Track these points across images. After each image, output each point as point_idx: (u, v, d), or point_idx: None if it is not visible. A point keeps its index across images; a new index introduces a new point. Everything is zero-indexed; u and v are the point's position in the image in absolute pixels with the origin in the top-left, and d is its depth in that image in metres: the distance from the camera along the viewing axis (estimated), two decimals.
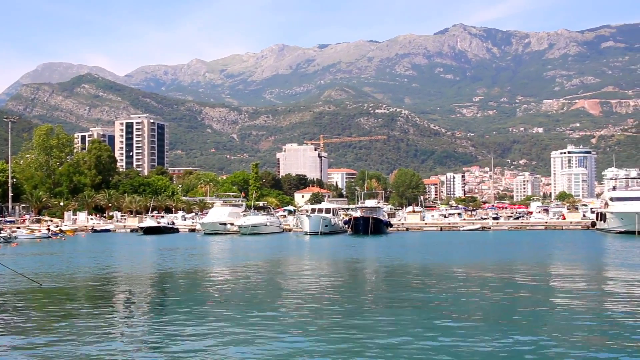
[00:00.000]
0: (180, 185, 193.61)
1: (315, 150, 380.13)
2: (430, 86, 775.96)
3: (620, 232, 79.71)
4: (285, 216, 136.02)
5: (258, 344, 16.80)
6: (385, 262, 44.21)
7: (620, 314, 20.85)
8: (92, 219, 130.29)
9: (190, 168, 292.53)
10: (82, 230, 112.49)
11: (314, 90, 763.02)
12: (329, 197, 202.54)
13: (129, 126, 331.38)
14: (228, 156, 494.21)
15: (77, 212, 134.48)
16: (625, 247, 57.02)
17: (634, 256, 46.90)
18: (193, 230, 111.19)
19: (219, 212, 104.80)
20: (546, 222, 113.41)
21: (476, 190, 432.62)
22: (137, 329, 19.24)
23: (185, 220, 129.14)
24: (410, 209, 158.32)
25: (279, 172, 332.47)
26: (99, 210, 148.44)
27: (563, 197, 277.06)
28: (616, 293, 26.50)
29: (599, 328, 18.59)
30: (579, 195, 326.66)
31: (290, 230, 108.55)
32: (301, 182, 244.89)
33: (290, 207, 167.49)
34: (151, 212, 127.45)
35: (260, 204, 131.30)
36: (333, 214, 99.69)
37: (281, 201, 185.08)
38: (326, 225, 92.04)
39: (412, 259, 46.90)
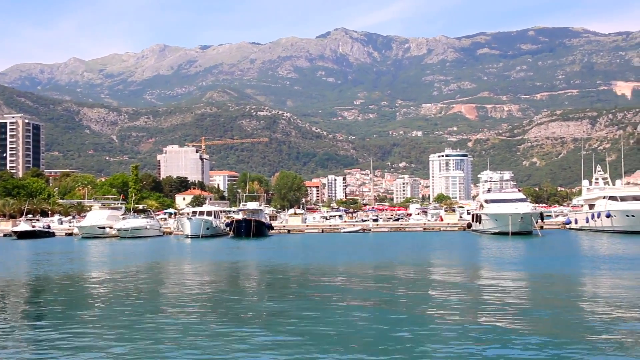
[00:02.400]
0: (56, 188, 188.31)
1: (196, 152, 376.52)
2: (312, 89, 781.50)
3: (495, 233, 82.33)
4: (165, 219, 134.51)
5: (137, 348, 16.65)
6: (267, 265, 44.38)
7: (493, 308, 21.83)
8: None
9: (68, 170, 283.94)
10: None
11: (195, 92, 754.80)
12: (210, 199, 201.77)
13: (2, 126, 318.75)
14: (107, 158, 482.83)
15: None
16: (498, 247, 59.11)
17: (506, 255, 48.82)
18: (70, 234, 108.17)
19: (97, 216, 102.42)
20: (424, 224, 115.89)
21: (357, 193, 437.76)
22: (9, 338, 18.71)
23: (62, 224, 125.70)
24: (292, 211, 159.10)
25: (159, 174, 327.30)
26: None
27: (441, 199, 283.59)
28: (489, 289, 27.65)
29: (473, 321, 19.39)
30: (456, 197, 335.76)
31: (171, 233, 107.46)
32: (182, 185, 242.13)
33: (171, 210, 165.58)
34: (26, 215, 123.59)
35: (140, 206, 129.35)
36: (214, 217, 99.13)
37: (162, 204, 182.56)
38: (207, 228, 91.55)
39: (293, 261, 47.20)
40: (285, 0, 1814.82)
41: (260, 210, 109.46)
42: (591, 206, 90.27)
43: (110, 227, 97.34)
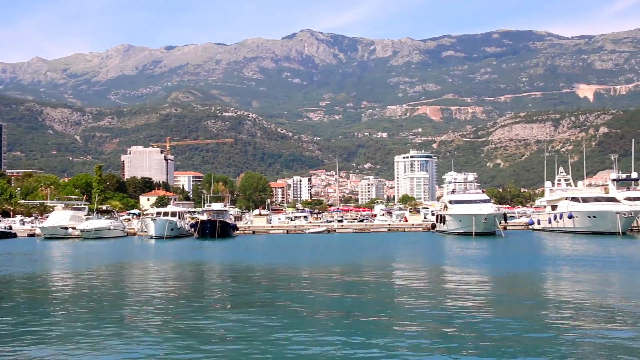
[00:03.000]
0: (19, 189, 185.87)
1: (161, 152, 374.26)
2: (277, 90, 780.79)
3: (458, 234, 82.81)
4: (129, 220, 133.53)
5: (99, 350, 16.56)
6: (232, 265, 44.31)
7: (455, 308, 21.96)
8: None
9: (30, 170, 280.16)
10: None
11: (160, 92, 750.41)
12: (175, 200, 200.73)
13: None
14: (70, 158, 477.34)
15: None
16: (462, 247, 59.51)
17: (469, 256, 49.22)
18: (32, 235, 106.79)
19: (60, 216, 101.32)
20: (389, 225, 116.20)
21: (322, 194, 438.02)
22: None
23: (24, 224, 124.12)
24: (257, 212, 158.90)
25: (123, 174, 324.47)
26: None
27: (406, 200, 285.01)
28: (452, 289, 27.91)
29: (438, 319, 19.56)
30: (420, 198, 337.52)
31: (135, 234, 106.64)
32: (147, 185, 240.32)
33: (135, 211, 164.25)
34: None
35: (104, 207, 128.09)
36: (179, 218, 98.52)
37: (126, 204, 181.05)
38: (172, 229, 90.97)
39: (258, 261, 47.14)
40: (251, 1, 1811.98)
41: (225, 211, 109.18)
42: (554, 207, 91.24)
43: (73, 228, 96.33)
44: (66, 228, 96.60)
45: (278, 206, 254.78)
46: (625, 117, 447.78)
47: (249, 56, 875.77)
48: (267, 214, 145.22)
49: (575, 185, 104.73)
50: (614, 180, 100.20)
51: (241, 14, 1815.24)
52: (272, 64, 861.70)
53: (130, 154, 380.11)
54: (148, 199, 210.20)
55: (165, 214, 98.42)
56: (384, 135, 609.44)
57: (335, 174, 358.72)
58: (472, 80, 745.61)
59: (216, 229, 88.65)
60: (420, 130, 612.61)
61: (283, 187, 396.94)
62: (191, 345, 17.01)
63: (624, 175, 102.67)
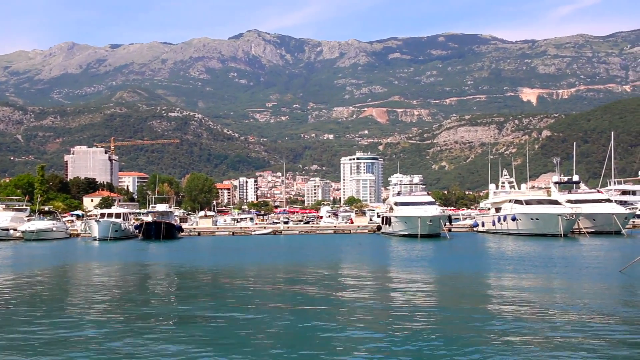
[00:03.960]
0: None
1: (105, 153, 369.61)
2: (224, 90, 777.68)
3: (404, 235, 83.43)
4: (73, 221, 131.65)
5: (36, 353, 16.30)
6: (176, 267, 44.03)
7: (400, 306, 22.16)
8: None
9: None
10: None
11: (105, 91, 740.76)
12: (119, 201, 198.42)
13: None
14: (12, 158, 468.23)
15: None
16: (407, 248, 60.00)
17: (414, 257, 49.75)
18: None
19: (1, 217, 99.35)
20: (335, 226, 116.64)
21: (268, 195, 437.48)
22: None
23: None
24: (202, 213, 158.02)
25: (67, 175, 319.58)
26: None
27: (352, 201, 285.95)
28: (396, 290, 28.20)
29: (383, 318, 19.69)
30: (366, 200, 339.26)
31: (78, 235, 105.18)
32: (90, 186, 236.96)
33: (79, 212, 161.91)
34: None
35: (46, 208, 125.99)
36: (123, 219, 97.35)
37: (69, 205, 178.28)
38: (116, 231, 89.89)
39: (202, 263, 47.04)
40: (197, 1, 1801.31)
41: (170, 212, 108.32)
42: (497, 209, 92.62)
43: (15, 229, 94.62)
44: (7, 229, 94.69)
45: (224, 208, 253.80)
46: (567, 121, 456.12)
47: (195, 56, 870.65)
48: (212, 216, 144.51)
49: (519, 188, 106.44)
50: (556, 183, 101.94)
51: (188, 13, 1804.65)
52: (219, 64, 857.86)
53: (73, 154, 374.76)
54: (92, 200, 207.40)
55: (110, 215, 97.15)
56: (331, 136, 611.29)
57: (282, 175, 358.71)
58: (418, 82, 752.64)
59: (161, 231, 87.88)
60: (366, 132, 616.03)
61: (229, 189, 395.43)
62: (133, 346, 16.83)
63: (565, 178, 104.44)
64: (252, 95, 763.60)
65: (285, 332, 19.08)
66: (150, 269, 44.08)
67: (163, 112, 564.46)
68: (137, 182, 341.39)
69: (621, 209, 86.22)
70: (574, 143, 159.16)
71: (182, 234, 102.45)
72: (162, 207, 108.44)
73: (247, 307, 23.84)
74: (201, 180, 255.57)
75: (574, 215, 76.73)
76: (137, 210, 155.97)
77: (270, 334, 18.83)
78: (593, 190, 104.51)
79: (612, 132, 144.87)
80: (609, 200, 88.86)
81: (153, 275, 39.98)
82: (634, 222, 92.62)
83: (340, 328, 19.36)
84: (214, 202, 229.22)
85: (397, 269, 40.29)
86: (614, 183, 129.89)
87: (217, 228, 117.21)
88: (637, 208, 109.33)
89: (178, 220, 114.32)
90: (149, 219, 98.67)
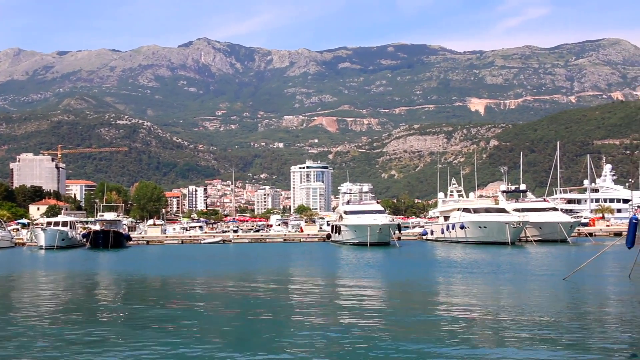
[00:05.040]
0: None
1: (52, 160, 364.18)
2: (173, 99, 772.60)
3: (354, 244, 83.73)
4: (18, 230, 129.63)
5: None
6: (124, 276, 43.55)
7: (348, 310, 22.20)
8: None
9: None
10: None
11: (52, 98, 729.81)
12: (66, 209, 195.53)
13: None
14: None
15: None
16: (356, 257, 60.26)
17: (363, 265, 50.07)
18: None
19: None
20: (285, 235, 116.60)
21: (218, 204, 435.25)
22: None
23: None
24: (151, 222, 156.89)
25: (12, 183, 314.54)
26: None
27: (302, 210, 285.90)
28: (345, 295, 28.15)
29: (331, 322, 19.73)
30: (316, 209, 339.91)
31: (24, 244, 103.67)
32: (37, 194, 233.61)
33: (25, 220, 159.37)
34: None
35: None
36: (70, 228, 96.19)
37: (14, 214, 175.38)
38: (63, 239, 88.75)
39: (151, 272, 46.69)
40: (146, 8, 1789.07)
41: (119, 220, 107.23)
42: (446, 218, 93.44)
43: None
44: None
45: (173, 216, 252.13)
46: (515, 131, 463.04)
47: (144, 63, 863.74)
48: (161, 224, 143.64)
49: (467, 197, 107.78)
50: (503, 191, 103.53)
51: (137, 20, 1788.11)
52: (168, 72, 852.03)
53: (19, 161, 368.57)
54: (38, 209, 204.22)
55: (56, 223, 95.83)
56: (280, 145, 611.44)
57: (232, 183, 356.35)
58: (368, 92, 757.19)
59: (109, 239, 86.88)
60: (316, 140, 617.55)
61: (178, 197, 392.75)
62: (81, 354, 16.66)
63: (513, 187, 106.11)
64: (202, 103, 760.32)
65: (233, 336, 19.20)
66: (98, 278, 43.60)
67: (111, 119, 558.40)
68: (85, 190, 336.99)
69: (567, 218, 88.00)
70: (521, 152, 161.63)
71: (131, 242, 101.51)
72: (110, 216, 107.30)
73: (195, 313, 23.81)
74: (150, 188, 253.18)
75: (521, 224, 77.80)
76: (85, 219, 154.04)
77: (218, 336, 18.98)
78: (540, 199, 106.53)
79: (558, 142, 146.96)
80: (555, 209, 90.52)
81: (101, 284, 39.56)
82: (579, 230, 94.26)
83: (288, 333, 19.43)
84: (163, 210, 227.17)
85: (347, 276, 40.54)
86: (560, 192, 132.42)
87: (166, 237, 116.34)
88: (582, 217, 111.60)
89: (126, 229, 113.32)
90: (97, 227, 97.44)
